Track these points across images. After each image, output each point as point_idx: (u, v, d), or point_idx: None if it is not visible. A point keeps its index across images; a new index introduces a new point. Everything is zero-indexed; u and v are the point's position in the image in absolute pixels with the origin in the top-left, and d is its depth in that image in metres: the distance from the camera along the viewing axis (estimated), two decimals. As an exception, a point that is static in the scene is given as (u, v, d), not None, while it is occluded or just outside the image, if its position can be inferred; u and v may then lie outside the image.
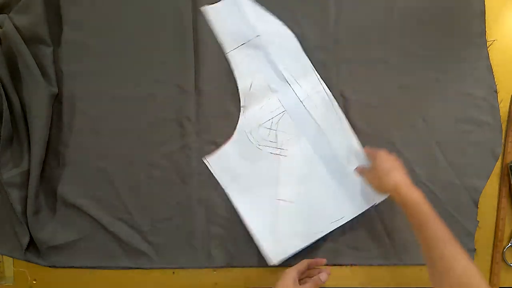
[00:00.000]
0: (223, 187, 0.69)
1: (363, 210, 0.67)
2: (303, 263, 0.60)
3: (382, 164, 0.59)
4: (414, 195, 0.54)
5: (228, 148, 0.68)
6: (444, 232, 0.51)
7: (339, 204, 0.67)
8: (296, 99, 0.68)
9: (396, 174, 0.57)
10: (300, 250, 0.67)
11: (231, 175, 0.69)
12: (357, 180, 0.66)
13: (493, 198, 0.70)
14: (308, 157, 0.68)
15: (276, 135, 0.68)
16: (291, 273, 0.57)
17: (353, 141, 0.67)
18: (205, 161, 0.68)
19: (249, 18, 0.67)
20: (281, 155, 0.68)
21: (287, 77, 0.67)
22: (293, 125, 0.68)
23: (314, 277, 0.60)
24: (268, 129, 0.68)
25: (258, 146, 0.68)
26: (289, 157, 0.68)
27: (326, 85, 0.68)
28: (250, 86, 0.68)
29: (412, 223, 0.54)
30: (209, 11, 0.68)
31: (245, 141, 0.68)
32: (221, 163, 0.69)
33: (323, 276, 0.60)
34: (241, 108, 0.68)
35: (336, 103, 0.68)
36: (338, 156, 0.67)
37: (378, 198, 0.66)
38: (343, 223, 0.67)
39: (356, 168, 0.66)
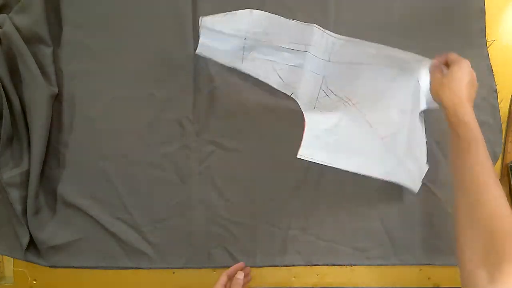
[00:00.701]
0: (330, 165, 0.65)
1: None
2: (223, 276, 0.61)
3: (460, 73, 0.55)
4: (466, 117, 0.52)
5: (308, 133, 0.65)
6: (486, 162, 0.49)
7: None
8: (321, 61, 0.66)
9: (465, 91, 0.54)
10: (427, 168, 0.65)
11: (327, 151, 0.65)
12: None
13: (493, 198, 0.70)
14: (376, 87, 0.65)
15: (336, 94, 0.67)
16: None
17: (396, 52, 0.63)
18: (300, 157, 0.64)
19: (228, 32, 0.65)
20: (353, 104, 0.66)
21: (299, 48, 0.66)
22: (339, 78, 0.67)
23: (233, 281, 0.60)
24: (325, 96, 0.67)
25: (329, 113, 0.66)
26: (360, 101, 0.66)
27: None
28: (281, 78, 0.67)
29: (454, 147, 0.53)
30: (201, 50, 0.65)
31: (316, 117, 0.65)
32: (311, 149, 0.64)
33: (239, 275, 0.61)
34: (292, 96, 0.67)
35: (343, 36, 0.65)
36: (401, 69, 0.64)
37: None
38: None
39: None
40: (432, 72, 0.59)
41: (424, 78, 0.61)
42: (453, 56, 0.58)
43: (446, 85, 0.54)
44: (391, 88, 0.65)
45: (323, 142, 0.65)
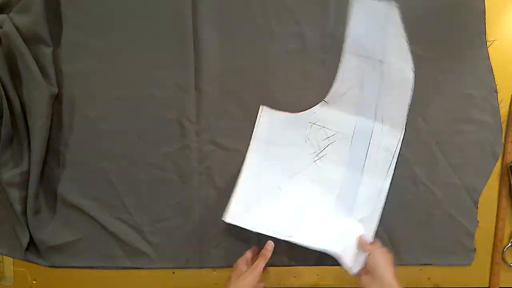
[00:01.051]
0: (251, 141, 0.68)
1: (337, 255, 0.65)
2: (248, 253, 0.64)
3: (379, 259, 0.62)
4: None
5: (283, 116, 0.68)
6: None
7: (328, 235, 0.67)
8: (367, 136, 0.67)
9: (392, 269, 0.60)
10: (256, 232, 0.66)
11: (267, 137, 0.68)
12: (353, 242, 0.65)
13: (493, 198, 0.70)
14: (330, 187, 0.68)
15: (328, 146, 0.68)
16: (242, 261, 0.63)
17: (378, 206, 0.67)
18: (260, 108, 0.68)
19: (384, 36, 0.64)
20: (316, 162, 0.68)
21: (377, 116, 0.66)
22: (346, 153, 0.68)
23: (261, 251, 0.63)
24: (327, 138, 0.68)
25: (307, 138, 0.68)
26: (319, 170, 0.68)
27: (327, 87, 0.68)
28: (343, 92, 0.67)
29: None
30: (355, 3, 0.64)
31: (301, 125, 0.68)
32: (269, 121, 0.68)
33: (269, 246, 0.63)
34: (323, 101, 0.68)
35: (394, 166, 0.67)
36: (356, 208, 0.67)
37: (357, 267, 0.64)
38: (307, 244, 0.66)
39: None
40: (373, 242, 0.64)
41: (353, 239, 0.65)
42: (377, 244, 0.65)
43: (391, 261, 0.61)
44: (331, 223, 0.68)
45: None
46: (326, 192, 0.68)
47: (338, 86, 0.67)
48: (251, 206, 0.67)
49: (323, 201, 0.68)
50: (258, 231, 0.66)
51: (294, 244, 0.66)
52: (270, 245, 0.63)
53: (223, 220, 0.65)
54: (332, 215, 0.68)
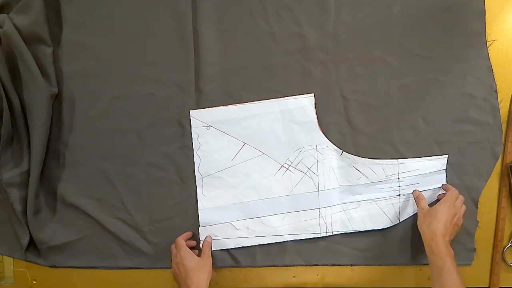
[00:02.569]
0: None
1: None
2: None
3: (440, 213, 0.62)
4: (446, 250, 0.59)
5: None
6: None
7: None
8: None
9: (442, 226, 0.60)
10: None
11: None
12: None
13: (493, 198, 0.70)
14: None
15: (308, 171, 0.69)
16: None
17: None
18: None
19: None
20: (291, 171, 0.69)
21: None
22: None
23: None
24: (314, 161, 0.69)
25: (295, 150, 0.69)
26: (288, 177, 0.69)
27: (327, 87, 0.69)
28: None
29: (430, 270, 0.60)
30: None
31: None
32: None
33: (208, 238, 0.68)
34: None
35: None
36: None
37: None
38: None
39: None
40: (418, 202, 0.66)
41: None
42: (448, 195, 0.65)
43: (426, 221, 0.62)
44: None
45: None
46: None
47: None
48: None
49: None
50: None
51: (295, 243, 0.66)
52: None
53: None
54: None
